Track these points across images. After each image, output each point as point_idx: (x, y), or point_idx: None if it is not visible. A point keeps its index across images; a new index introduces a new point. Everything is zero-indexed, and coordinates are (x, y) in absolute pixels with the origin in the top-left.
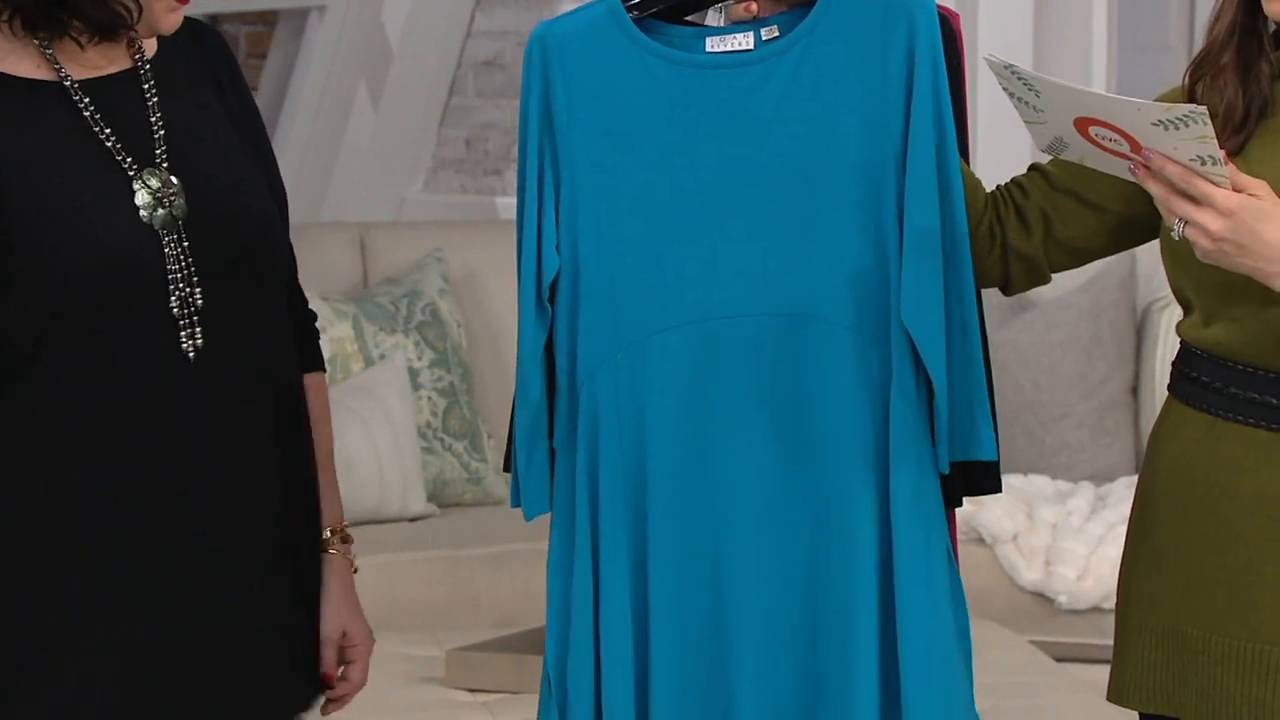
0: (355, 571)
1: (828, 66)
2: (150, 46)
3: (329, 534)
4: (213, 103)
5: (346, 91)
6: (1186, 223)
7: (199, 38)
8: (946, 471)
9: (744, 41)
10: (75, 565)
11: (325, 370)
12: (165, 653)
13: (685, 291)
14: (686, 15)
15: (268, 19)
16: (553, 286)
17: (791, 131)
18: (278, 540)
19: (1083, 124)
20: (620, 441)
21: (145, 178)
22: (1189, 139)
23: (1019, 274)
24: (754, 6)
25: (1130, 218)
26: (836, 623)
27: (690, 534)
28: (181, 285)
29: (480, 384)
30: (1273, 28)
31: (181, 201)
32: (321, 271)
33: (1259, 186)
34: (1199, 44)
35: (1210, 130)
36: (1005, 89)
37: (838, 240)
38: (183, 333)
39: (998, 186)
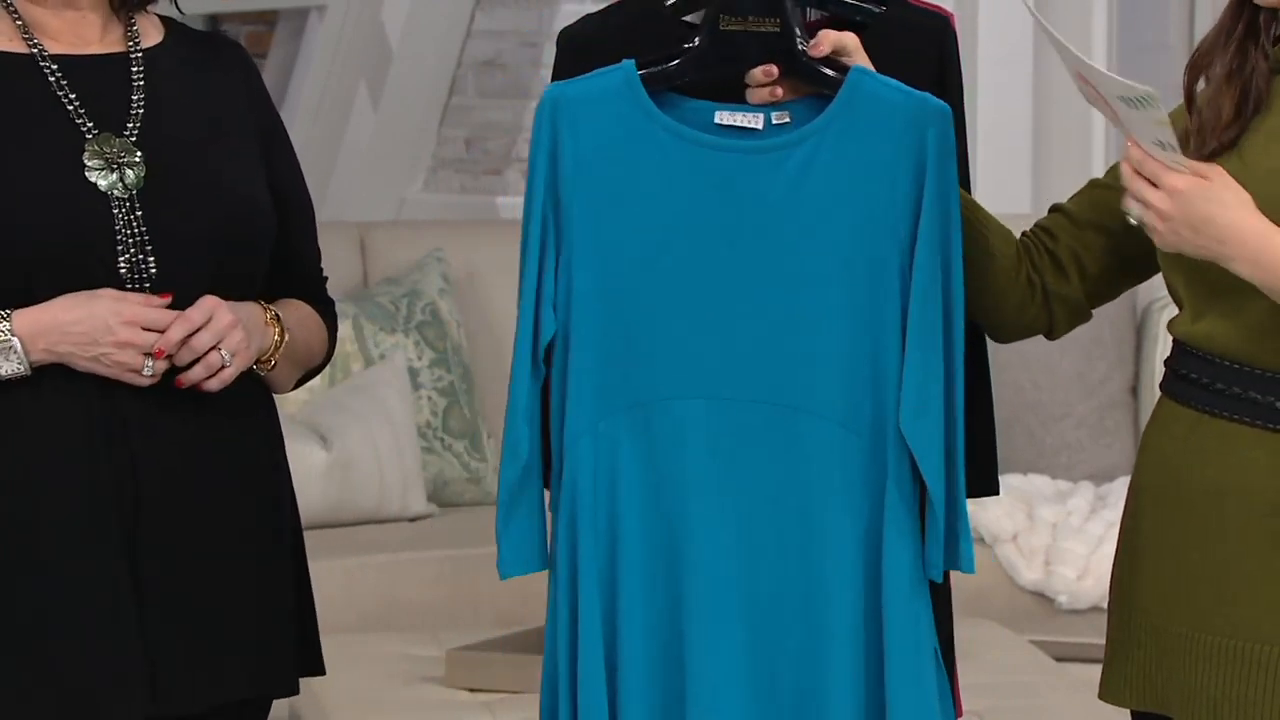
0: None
1: (840, 164)
2: (151, 38)
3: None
4: (225, 103)
5: (346, 91)
6: (1144, 206)
7: (222, 53)
8: (939, 580)
9: (753, 121)
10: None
11: (334, 341)
12: (127, 629)
13: (675, 367)
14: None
15: (268, 19)
16: (549, 346)
17: (797, 222)
18: (238, 521)
19: (1080, 79)
20: (594, 515)
21: (100, 142)
22: (1148, 122)
23: (1062, 318)
24: (779, 91)
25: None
26: None
27: (658, 620)
28: (133, 250)
29: (480, 384)
30: (1274, 29)
31: (138, 170)
32: None
33: (1212, 170)
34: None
35: (1164, 115)
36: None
37: (832, 336)
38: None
39: (1024, 234)
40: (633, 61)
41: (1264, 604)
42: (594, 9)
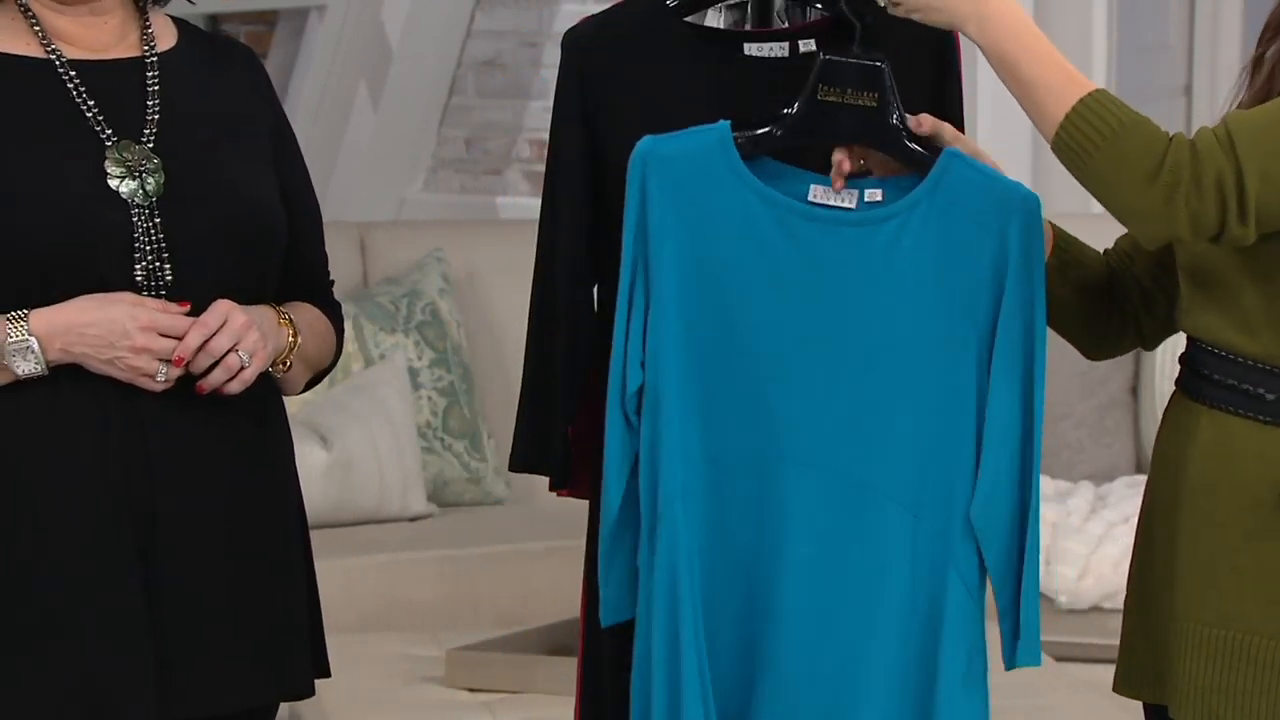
0: (293, 343)
1: (923, 245)
2: (166, 41)
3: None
4: (236, 105)
5: (346, 91)
6: None
7: (232, 53)
8: (1008, 669)
9: (847, 200)
10: (27, 536)
11: (341, 336)
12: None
13: (755, 427)
14: (692, 13)
15: (268, 19)
16: (638, 401)
17: (878, 299)
18: (254, 523)
19: None
20: (690, 569)
21: (120, 149)
22: None
23: (1151, 334)
24: (847, 165)
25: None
26: None
27: (731, 672)
28: (150, 258)
29: (480, 384)
30: None
31: (158, 177)
32: None
33: None
34: (1199, 43)
35: None
36: None
37: (904, 416)
38: None
39: (1107, 253)
40: (728, 123)
41: (1252, 595)
42: (595, 9)
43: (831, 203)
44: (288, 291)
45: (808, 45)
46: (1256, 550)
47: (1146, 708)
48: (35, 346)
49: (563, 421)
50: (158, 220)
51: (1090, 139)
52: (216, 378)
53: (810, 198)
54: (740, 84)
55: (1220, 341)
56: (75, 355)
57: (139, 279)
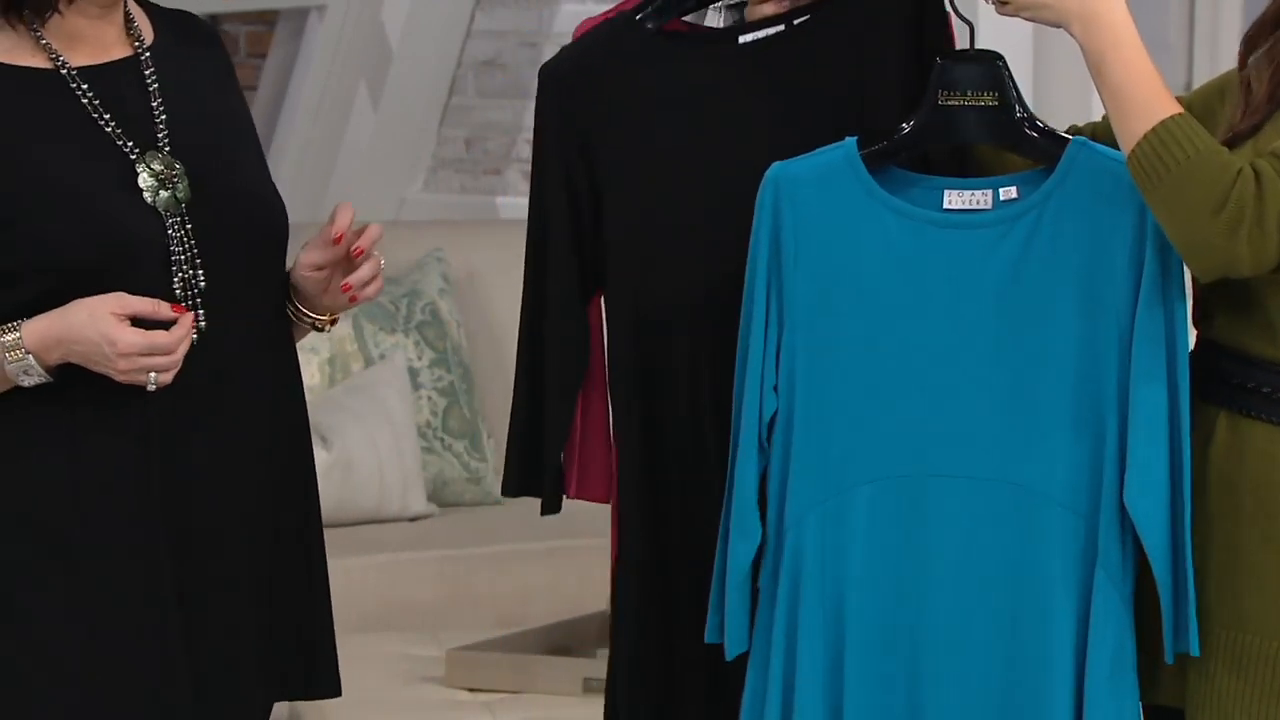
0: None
1: (1058, 238)
2: (146, 30)
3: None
4: (217, 93)
5: (346, 91)
6: None
7: (198, 32)
8: (1171, 663)
9: (982, 200)
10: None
11: None
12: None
13: (899, 444)
14: (687, 14)
15: (268, 19)
16: (769, 427)
17: (1019, 298)
18: (270, 520)
19: None
20: (822, 591)
21: (148, 160)
22: None
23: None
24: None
25: None
26: None
27: (886, 693)
28: (185, 267)
29: (480, 384)
30: None
31: (184, 184)
32: None
33: None
34: (1199, 43)
35: None
36: None
37: (1055, 413)
38: None
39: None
40: (854, 140)
41: (1271, 599)
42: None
43: (966, 206)
44: None
45: (802, 20)
46: (1274, 553)
47: (1148, 708)
48: (33, 363)
49: (554, 451)
50: (189, 227)
51: (1164, 162)
52: (365, 277)
53: (945, 205)
54: (736, 74)
55: (1241, 346)
56: (74, 360)
57: (176, 289)
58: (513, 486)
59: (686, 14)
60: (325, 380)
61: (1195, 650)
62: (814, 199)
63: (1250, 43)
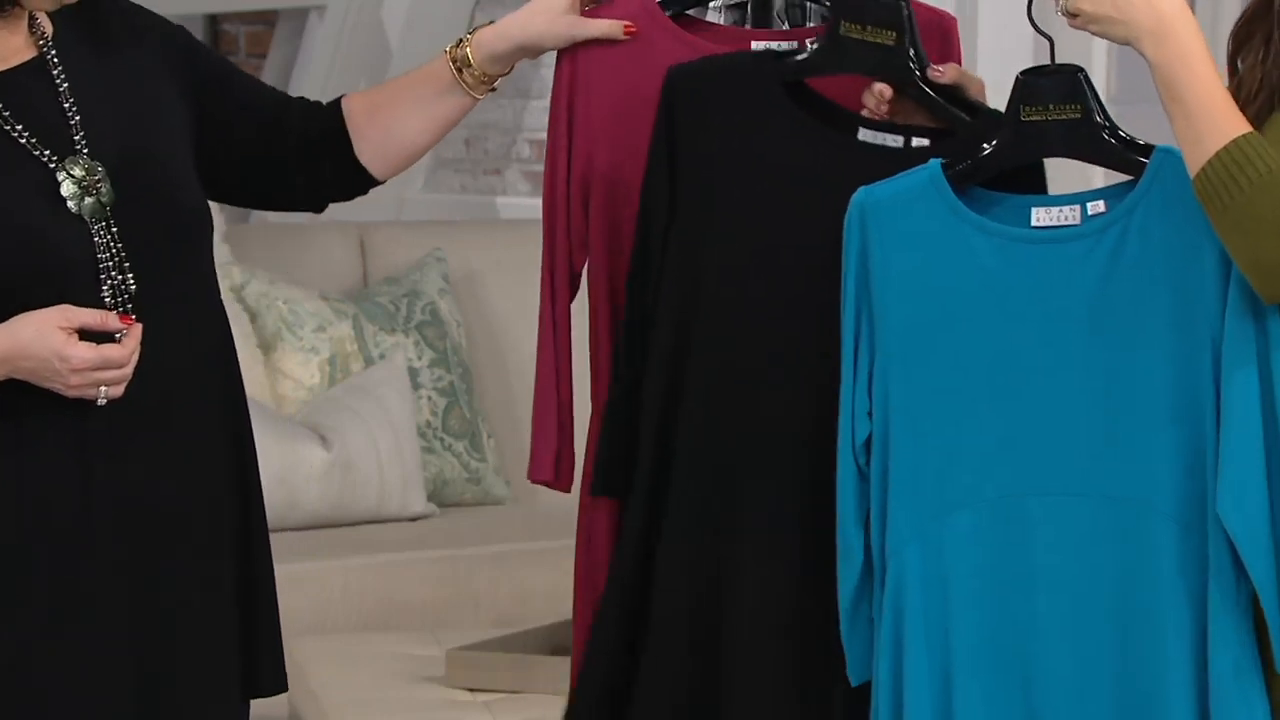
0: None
1: (1147, 248)
2: (49, 27)
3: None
4: (137, 85)
5: (346, 91)
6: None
7: (118, 20)
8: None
9: (1071, 216)
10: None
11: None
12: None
13: (996, 465)
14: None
15: (268, 19)
16: (867, 451)
17: (1109, 310)
18: (219, 522)
19: None
20: (926, 616)
21: (68, 167)
22: None
23: None
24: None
25: None
26: None
27: (997, 715)
28: (114, 273)
29: (480, 384)
30: None
31: (108, 187)
32: (321, 271)
33: None
34: None
35: None
36: None
37: (1153, 424)
38: None
39: None
40: (938, 161)
41: None
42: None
43: (1055, 223)
44: (282, 124)
45: (920, 142)
46: None
47: None
48: None
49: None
50: (115, 231)
51: (1235, 181)
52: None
53: (1034, 222)
54: (850, 170)
55: None
56: (20, 376)
57: (105, 296)
58: (601, 484)
59: (688, 8)
60: (325, 380)
61: None
62: (900, 221)
63: (1237, 39)
